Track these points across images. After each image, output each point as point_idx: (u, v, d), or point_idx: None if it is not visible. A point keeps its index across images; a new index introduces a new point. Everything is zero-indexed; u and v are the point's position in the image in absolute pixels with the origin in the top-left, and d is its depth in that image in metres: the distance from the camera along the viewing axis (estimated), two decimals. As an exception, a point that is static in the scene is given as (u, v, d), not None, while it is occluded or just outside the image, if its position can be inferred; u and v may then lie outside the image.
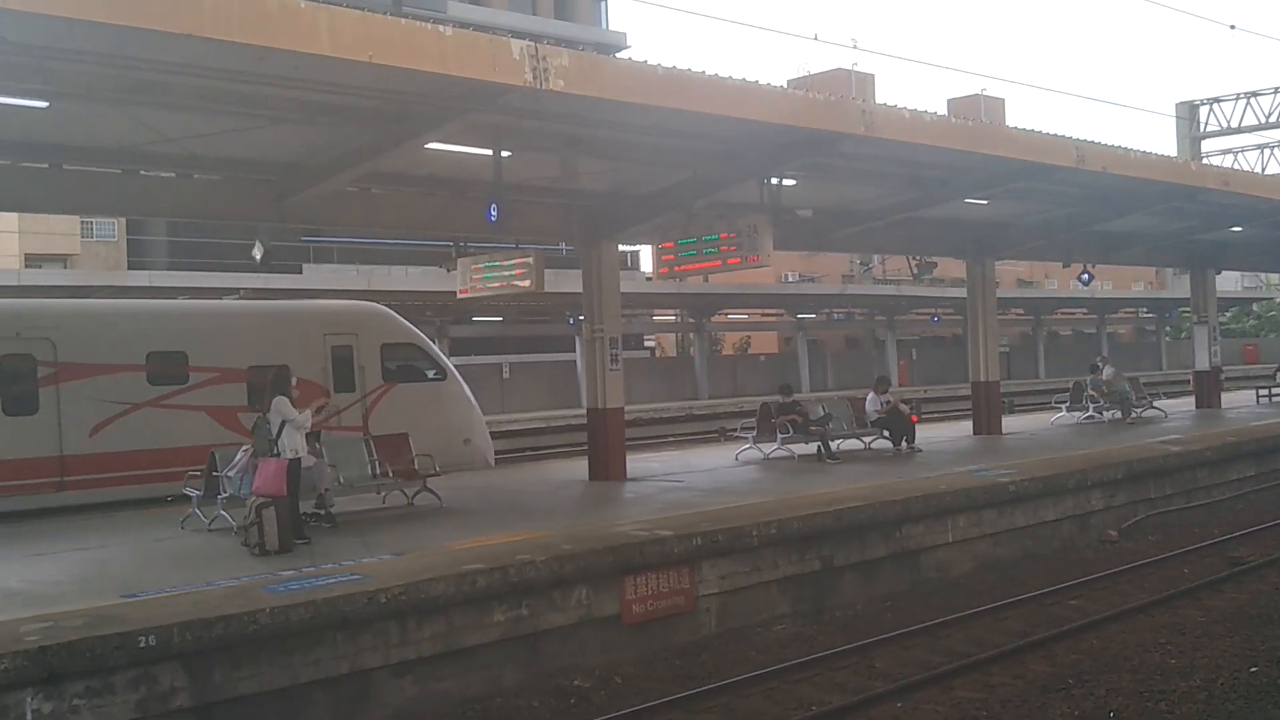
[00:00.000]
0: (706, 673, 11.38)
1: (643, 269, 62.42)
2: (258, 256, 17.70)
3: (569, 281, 29.08)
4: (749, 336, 71.80)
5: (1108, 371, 28.97)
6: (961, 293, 26.39)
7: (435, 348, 22.24)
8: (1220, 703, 9.88)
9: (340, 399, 19.14)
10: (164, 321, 19.30)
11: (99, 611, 9.58)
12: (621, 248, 19.73)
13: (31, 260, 47.70)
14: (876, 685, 10.73)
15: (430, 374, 21.53)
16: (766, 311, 64.81)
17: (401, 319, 21.67)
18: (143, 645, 8.90)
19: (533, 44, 11.38)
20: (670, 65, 12.57)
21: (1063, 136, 17.69)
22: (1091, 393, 28.03)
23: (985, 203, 21.43)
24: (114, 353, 17.78)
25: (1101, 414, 27.92)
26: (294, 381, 13.73)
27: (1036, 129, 17.44)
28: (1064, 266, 27.50)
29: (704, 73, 12.84)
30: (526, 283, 17.67)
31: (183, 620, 9.21)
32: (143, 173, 14.91)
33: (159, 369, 18.21)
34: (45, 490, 17.01)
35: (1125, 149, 19.05)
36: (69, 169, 14.36)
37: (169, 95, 11.63)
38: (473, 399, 22.06)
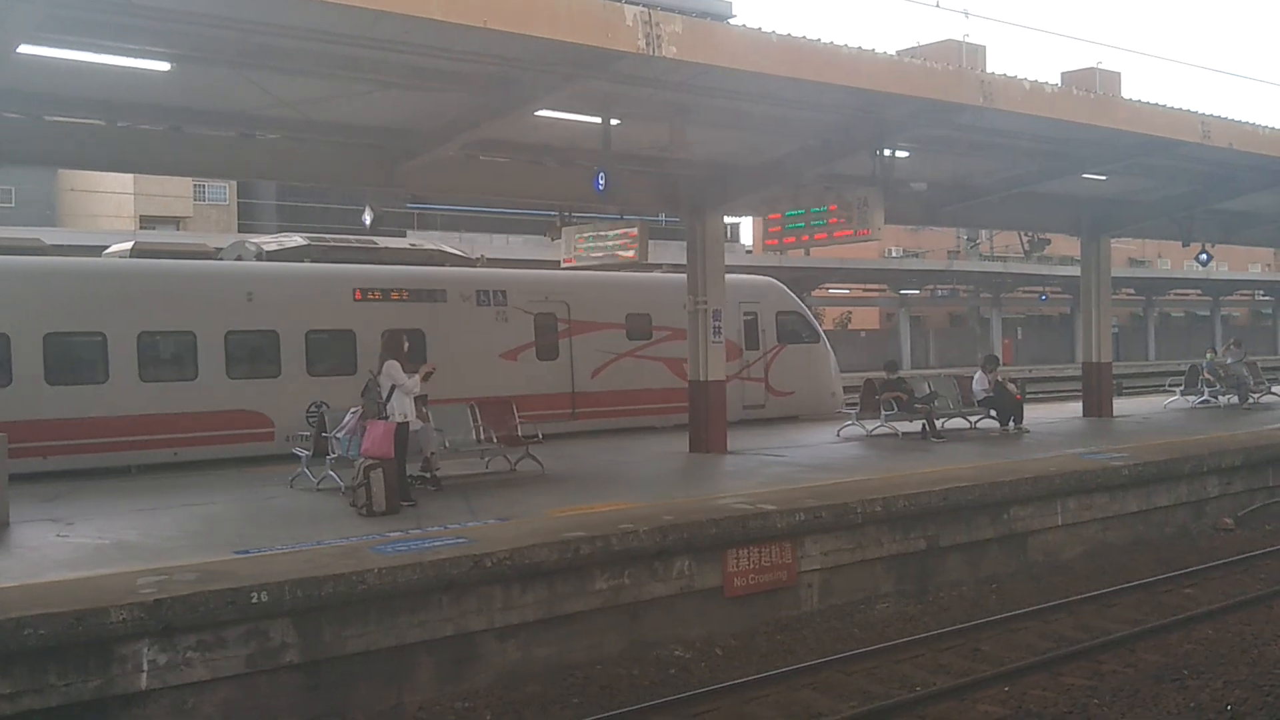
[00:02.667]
0: (808, 649, 11.31)
1: (742, 241, 62.12)
2: (367, 221, 17.92)
3: (667, 253, 29.00)
4: (850, 311, 71.08)
5: (1234, 354, 28.12)
6: (1070, 270, 25.80)
7: (810, 315, 26.14)
8: (1346, 700, 9.54)
9: (750, 355, 23.96)
10: (636, 289, 23.60)
11: (212, 567, 9.79)
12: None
13: (146, 222, 48.93)
14: (983, 668, 10.55)
15: (806, 337, 25.22)
16: (869, 287, 64.13)
17: (789, 291, 25.79)
18: (254, 601, 9.06)
19: (646, 10, 11.25)
20: (785, 32, 12.37)
21: (1187, 110, 17.08)
22: (1207, 376, 27.23)
23: (1103, 178, 20.82)
24: (606, 313, 22.37)
25: (1217, 398, 27.12)
26: (405, 346, 13.84)
27: (1160, 103, 16.87)
28: (1183, 245, 26.65)
29: (819, 40, 12.60)
30: (630, 253, 17.67)
31: (294, 578, 9.35)
32: (258, 136, 15.11)
33: (634, 327, 22.75)
34: (562, 418, 21.31)
35: (1253, 124, 18.35)
36: (187, 131, 14.60)
37: (287, 59, 11.75)
38: (835, 360, 25.74)
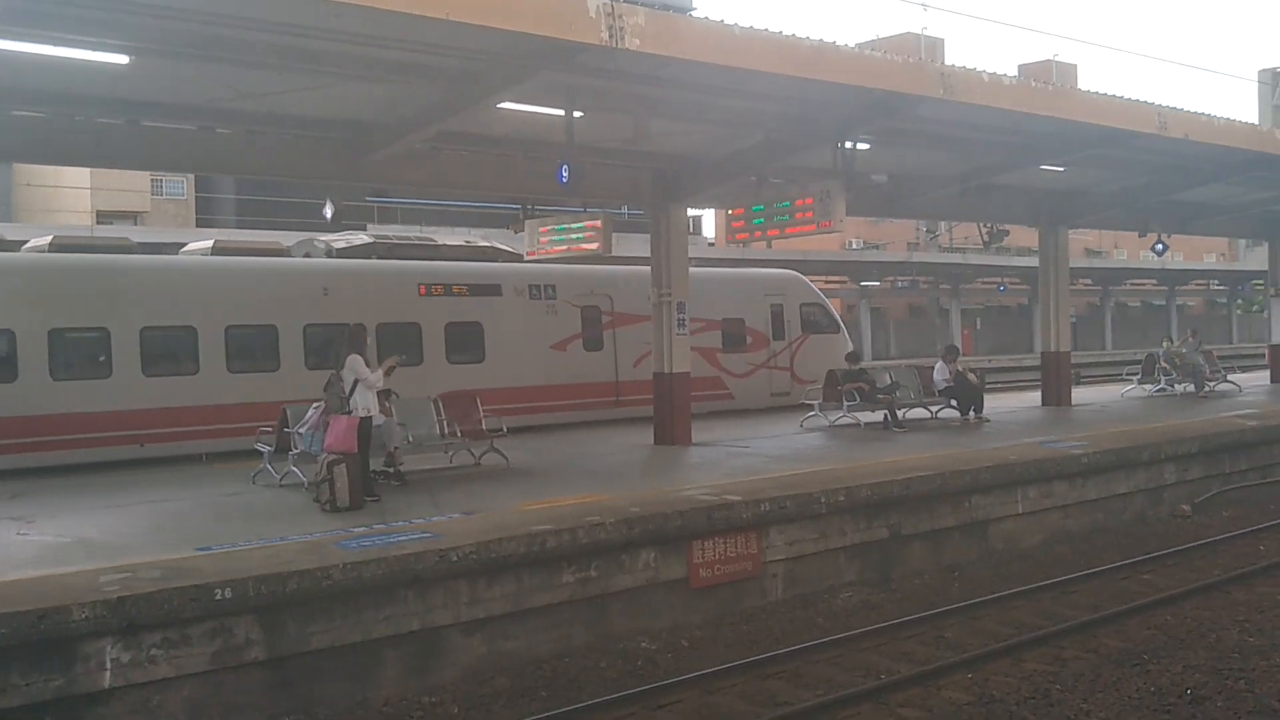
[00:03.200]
0: (773, 639, 11.35)
1: (704, 234, 62.23)
2: (329, 215, 17.89)
3: (630, 245, 29.10)
4: (811, 303, 71.21)
5: (1190, 343, 28.47)
6: (1028, 261, 26.15)
7: (831, 306, 27.69)
8: (1302, 682, 9.70)
9: (776, 345, 25.47)
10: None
11: (175, 564, 9.71)
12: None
13: (103, 217, 48.43)
14: (946, 656, 10.64)
15: (827, 327, 26.69)
16: (830, 278, 64.38)
17: (811, 284, 27.32)
18: (219, 598, 9.00)
19: (609, 2, 11.25)
20: (747, 25, 12.40)
21: (1144, 102, 17.28)
22: (1164, 365, 27.54)
23: (1061, 169, 21.03)
24: (646, 306, 21.51)
25: (1174, 387, 27.45)
26: (368, 340, 13.79)
27: (1117, 94, 17.04)
28: (1140, 236, 26.98)
29: (781, 33, 12.65)
30: (594, 245, 17.64)
31: (258, 574, 9.30)
32: (218, 130, 14.98)
33: None
34: (607, 406, 22.63)
35: (1208, 116, 18.58)
36: (147, 125, 14.45)
37: (248, 52, 11.65)
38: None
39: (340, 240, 21.48)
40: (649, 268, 21.77)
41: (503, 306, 21.54)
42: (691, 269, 24.70)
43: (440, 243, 23.00)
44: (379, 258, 20.83)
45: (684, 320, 18.47)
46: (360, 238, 21.55)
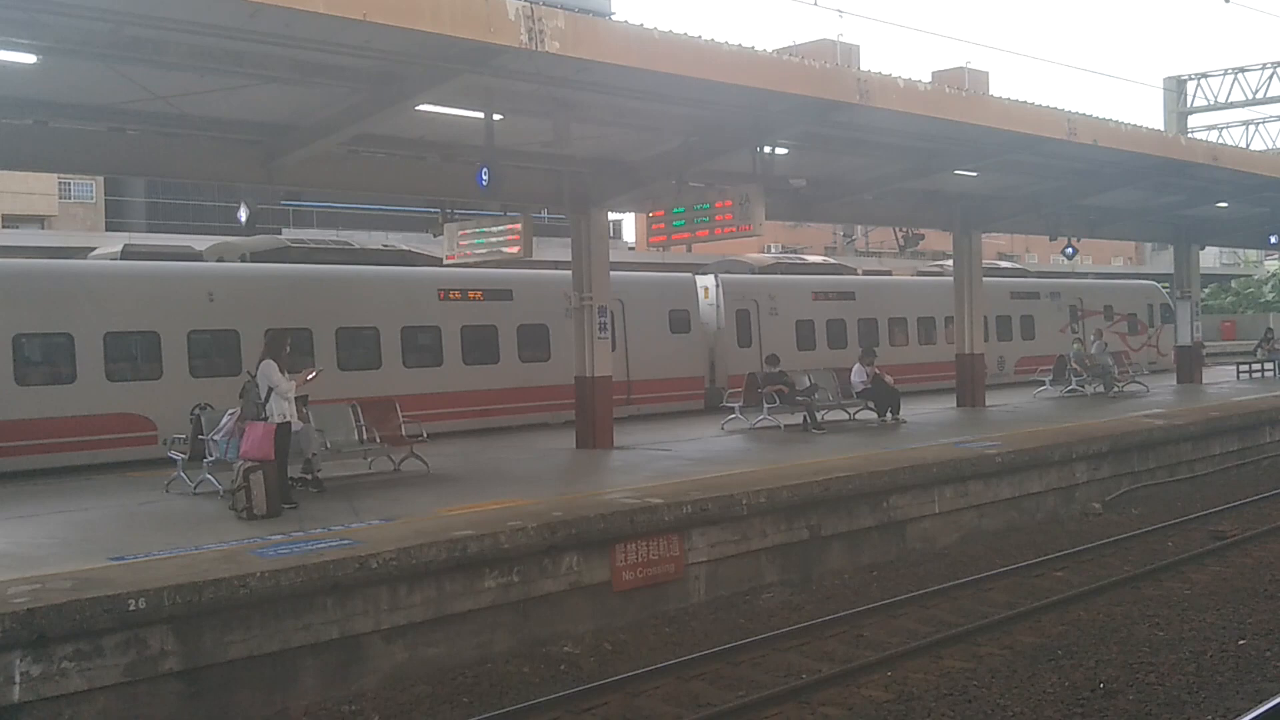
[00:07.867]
0: (696, 640, 11.41)
1: (624, 238, 62.21)
2: (243, 218, 17.52)
3: (549, 249, 29.07)
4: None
5: (1096, 347, 29.11)
6: (943, 265, 26.47)
7: (1172, 305, 37.70)
8: (1210, 674, 9.95)
9: (1151, 333, 38.83)
10: (1102, 288, 38.86)
11: (87, 574, 9.50)
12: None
13: (9, 221, 47.06)
14: (865, 654, 10.76)
15: (1168, 319, 38.11)
16: (749, 282, 64.69)
17: (1162, 290, 40.13)
18: (132, 608, 8.83)
19: (528, 4, 11.23)
20: (666, 29, 12.45)
21: (1055, 109, 17.64)
22: (1075, 366, 28.12)
23: (975, 175, 21.37)
24: (1095, 305, 36.31)
25: (1084, 388, 28.03)
26: (288, 348, 13.53)
27: (1029, 101, 17.39)
28: (1050, 240, 27.54)
29: (700, 37, 12.72)
30: (515, 249, 17.57)
31: (172, 584, 9.13)
32: (129, 131, 14.67)
33: (1106, 313, 37.12)
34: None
35: (1116, 122, 19.04)
36: (55, 126, 14.10)
37: (161, 52, 11.42)
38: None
39: (871, 260, 34.35)
40: (1095, 281, 31.69)
41: (1040, 306, 34.91)
42: (1116, 282, 41.65)
43: (1003, 265, 39.71)
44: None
45: (605, 324, 18.43)
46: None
